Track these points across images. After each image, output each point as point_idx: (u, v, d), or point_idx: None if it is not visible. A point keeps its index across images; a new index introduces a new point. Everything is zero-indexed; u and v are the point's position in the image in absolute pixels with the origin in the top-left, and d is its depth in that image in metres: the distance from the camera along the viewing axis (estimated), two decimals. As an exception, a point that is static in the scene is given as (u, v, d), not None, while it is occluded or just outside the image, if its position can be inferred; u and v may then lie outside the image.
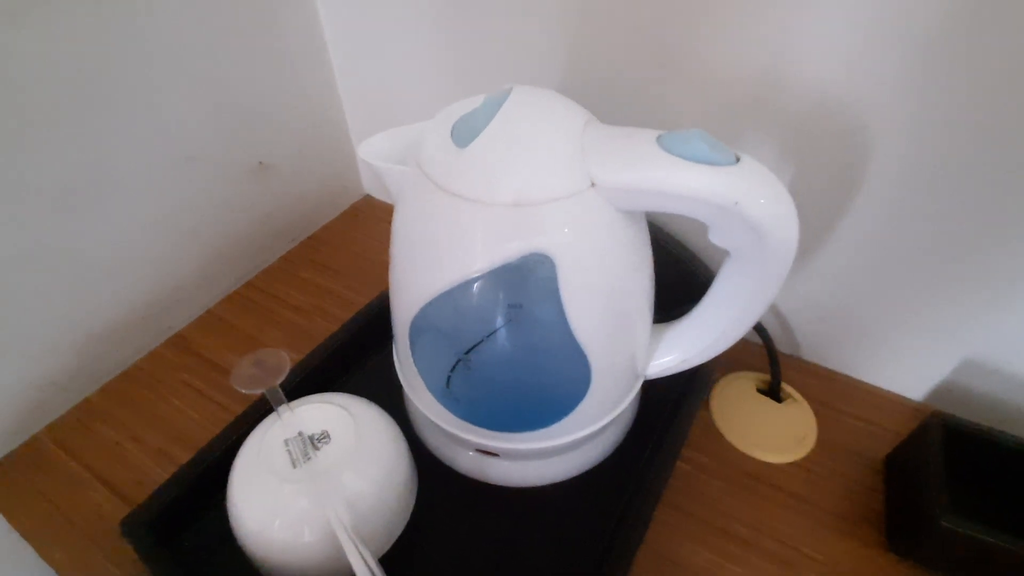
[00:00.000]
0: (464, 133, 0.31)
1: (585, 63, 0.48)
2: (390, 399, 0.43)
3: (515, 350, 0.33)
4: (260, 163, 0.61)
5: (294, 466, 0.36)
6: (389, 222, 0.36)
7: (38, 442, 0.48)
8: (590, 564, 0.39)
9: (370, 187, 0.76)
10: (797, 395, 0.50)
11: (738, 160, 0.29)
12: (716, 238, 0.31)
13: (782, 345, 0.54)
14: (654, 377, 0.41)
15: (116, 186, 0.49)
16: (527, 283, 0.31)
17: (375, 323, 0.50)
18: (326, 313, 0.59)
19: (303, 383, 0.46)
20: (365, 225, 0.72)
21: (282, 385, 0.37)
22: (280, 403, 0.37)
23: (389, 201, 0.74)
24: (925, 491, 0.38)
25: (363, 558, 0.33)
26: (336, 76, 0.65)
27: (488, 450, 0.40)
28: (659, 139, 0.29)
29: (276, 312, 0.59)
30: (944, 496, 0.36)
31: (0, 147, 0.42)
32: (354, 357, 0.52)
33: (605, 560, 0.37)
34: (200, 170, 0.55)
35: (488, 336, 0.32)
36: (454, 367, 0.34)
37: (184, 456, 0.42)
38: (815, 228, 0.46)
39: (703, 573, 0.40)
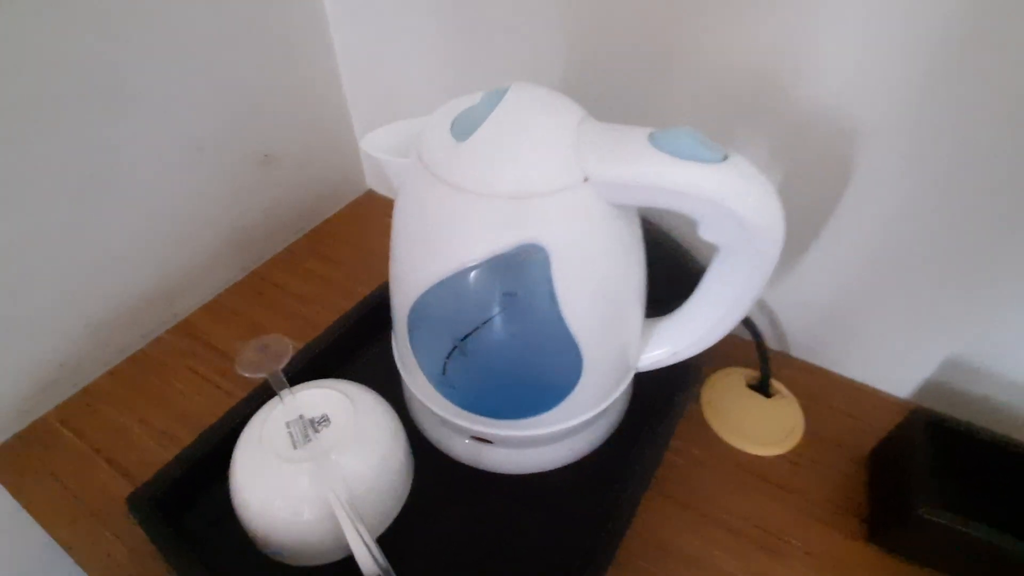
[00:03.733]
0: (463, 127, 0.32)
1: (585, 61, 0.49)
2: (389, 387, 0.44)
3: (509, 337, 0.34)
4: (265, 155, 0.62)
5: (295, 447, 0.37)
6: (391, 217, 0.37)
7: (46, 423, 0.50)
8: (581, 548, 0.40)
9: (373, 183, 0.77)
10: (785, 391, 0.51)
11: (726, 158, 0.30)
12: (705, 233, 0.33)
13: (772, 342, 0.55)
14: (645, 370, 0.42)
15: (127, 174, 0.50)
16: (521, 272, 0.32)
17: (375, 313, 0.52)
18: (329, 303, 0.60)
19: (305, 369, 0.47)
20: (368, 219, 0.73)
21: (284, 370, 0.38)
22: (282, 387, 0.38)
23: (391, 196, 0.75)
24: (905, 482, 0.39)
25: (360, 536, 0.35)
26: (341, 72, 0.66)
27: (482, 437, 0.41)
28: (651, 136, 0.31)
29: (280, 301, 0.61)
30: (922, 486, 0.37)
31: (11, 133, 0.43)
32: (354, 345, 0.53)
33: (595, 543, 0.38)
34: (208, 160, 0.57)
35: (483, 323, 0.33)
36: (450, 354, 0.36)
37: (188, 438, 0.43)
38: (806, 227, 0.47)
39: (693, 559, 0.41)
